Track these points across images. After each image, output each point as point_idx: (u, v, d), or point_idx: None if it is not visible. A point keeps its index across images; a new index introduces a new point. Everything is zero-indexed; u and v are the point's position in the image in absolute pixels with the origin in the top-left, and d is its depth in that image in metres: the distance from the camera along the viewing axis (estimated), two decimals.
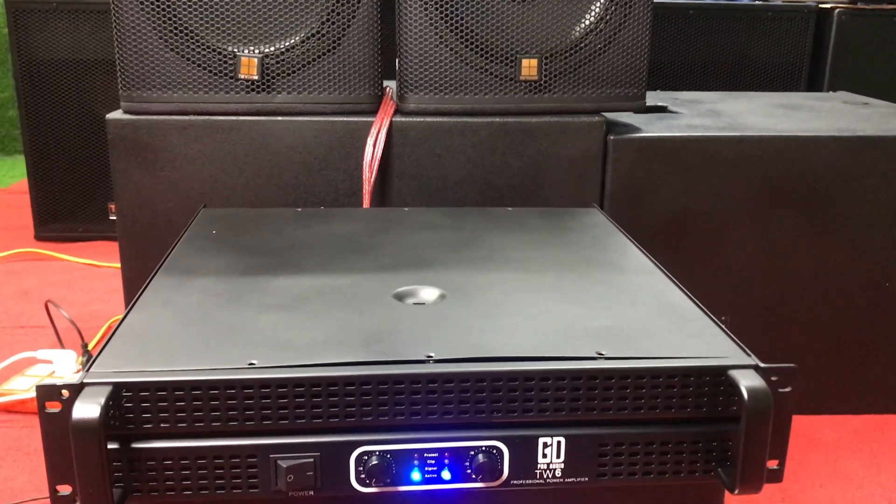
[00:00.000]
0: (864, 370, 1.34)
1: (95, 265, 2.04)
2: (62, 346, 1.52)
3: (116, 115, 1.23)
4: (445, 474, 0.64)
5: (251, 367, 0.62)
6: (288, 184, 1.25)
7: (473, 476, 0.64)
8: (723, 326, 0.71)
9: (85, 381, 0.60)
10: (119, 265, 1.30)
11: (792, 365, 0.64)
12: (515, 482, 0.64)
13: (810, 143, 1.25)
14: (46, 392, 0.60)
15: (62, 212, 2.21)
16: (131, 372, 0.62)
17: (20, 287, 1.89)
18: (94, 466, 0.58)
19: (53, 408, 0.60)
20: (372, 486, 0.63)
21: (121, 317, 0.72)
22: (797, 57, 2.06)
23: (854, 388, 1.35)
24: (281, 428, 0.62)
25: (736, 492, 0.63)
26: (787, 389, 0.64)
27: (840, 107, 1.52)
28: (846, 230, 1.28)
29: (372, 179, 1.23)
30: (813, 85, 2.07)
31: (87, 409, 0.58)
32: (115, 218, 1.90)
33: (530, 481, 0.65)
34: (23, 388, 1.35)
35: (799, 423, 1.32)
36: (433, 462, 0.64)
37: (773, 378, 0.63)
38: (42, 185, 2.18)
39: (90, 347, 1.47)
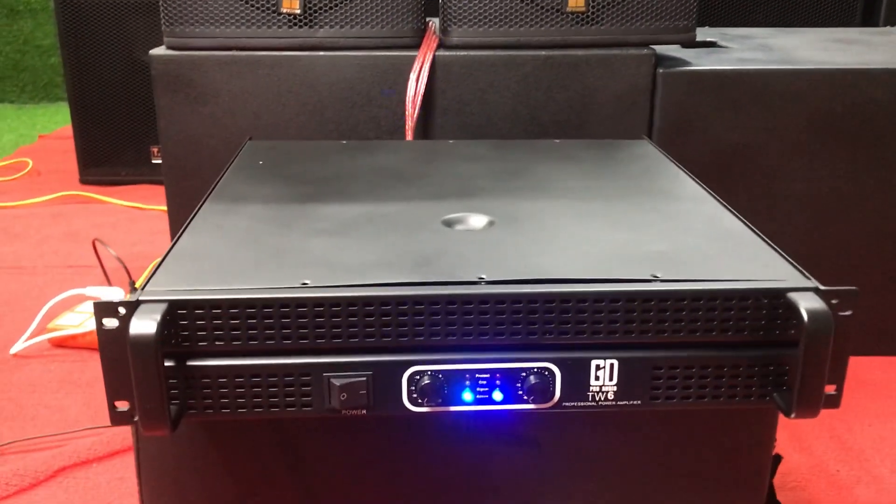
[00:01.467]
0: None
1: (140, 208, 2.07)
2: (110, 283, 1.54)
3: (160, 50, 1.23)
4: (497, 395, 0.64)
5: (304, 286, 0.62)
6: (330, 120, 1.24)
7: (525, 397, 0.64)
8: (780, 251, 0.69)
9: (141, 298, 0.61)
10: (163, 208, 1.31)
11: (853, 288, 0.62)
12: (567, 404, 0.64)
13: (865, 77, 1.21)
14: (104, 309, 0.60)
15: (106, 156, 2.23)
16: (186, 290, 0.62)
17: (68, 229, 1.92)
18: (151, 382, 0.59)
19: (111, 324, 0.60)
20: (424, 406, 0.63)
21: (174, 240, 0.72)
22: None
23: None
24: (334, 347, 0.62)
25: (792, 415, 0.62)
26: (848, 313, 0.62)
27: None
28: None
29: (415, 115, 1.21)
30: (868, 20, 1.99)
31: (144, 325, 0.58)
32: (158, 161, 1.92)
33: (582, 403, 0.64)
34: (73, 323, 1.38)
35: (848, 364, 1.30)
36: (485, 383, 0.63)
37: (834, 301, 0.62)
38: (85, 129, 2.20)
39: (137, 285, 1.50)
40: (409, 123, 1.22)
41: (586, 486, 0.70)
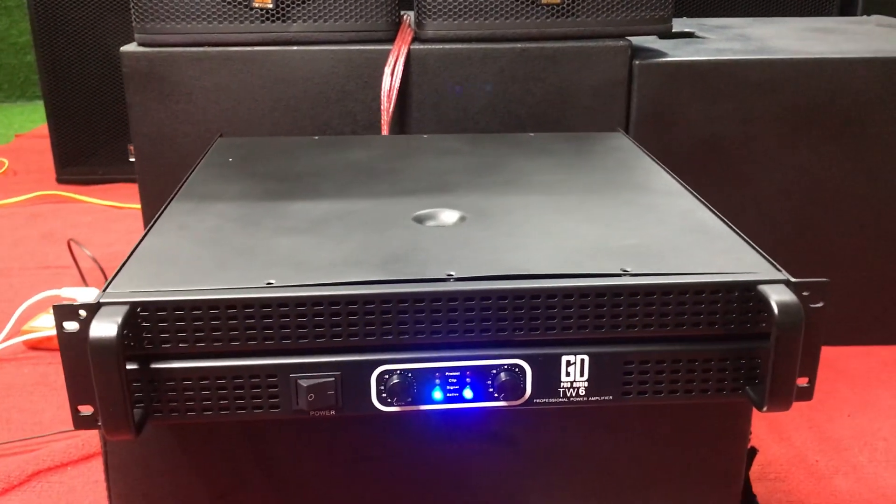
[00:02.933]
0: (895, 300, 1.31)
1: (117, 206, 2.05)
2: (86, 284, 1.53)
3: (131, 47, 1.22)
4: (467, 393, 0.63)
5: (269, 286, 0.61)
6: (305, 115, 1.23)
7: (495, 395, 0.63)
8: (752, 243, 0.69)
9: (102, 300, 0.59)
10: (140, 206, 1.29)
11: (824, 279, 0.62)
12: (538, 400, 0.63)
13: (843, 66, 1.21)
14: (64, 312, 0.59)
15: (82, 154, 2.20)
16: (148, 292, 0.61)
17: (44, 229, 1.90)
18: (113, 386, 0.58)
19: (71, 328, 0.59)
20: (393, 405, 0.63)
21: (138, 241, 0.71)
22: None
23: (883, 319, 1.32)
24: (301, 347, 0.61)
25: (765, 409, 0.62)
26: (820, 305, 0.62)
27: (875, 30, 1.46)
28: (880, 155, 1.24)
29: (390, 110, 1.20)
30: (846, 9, 1.99)
31: (104, 328, 0.57)
32: (134, 159, 1.89)
33: (553, 400, 0.63)
34: (48, 325, 1.36)
35: (827, 353, 1.31)
36: (455, 381, 0.63)
37: (805, 293, 0.61)
38: (62, 127, 2.17)
39: None
40: (385, 118, 1.21)
41: (560, 483, 0.70)
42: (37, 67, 2.14)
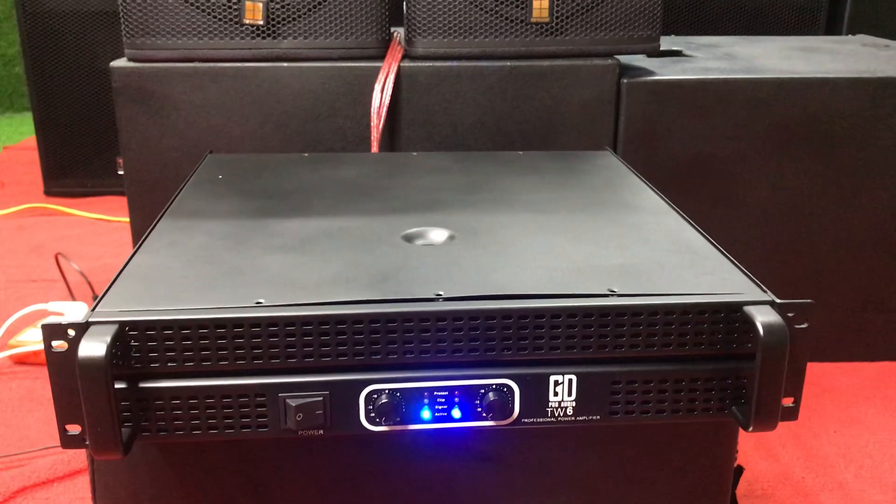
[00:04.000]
0: (879, 317, 1.32)
1: (105, 220, 2.04)
2: (73, 298, 1.52)
3: (121, 62, 1.22)
4: (455, 413, 0.63)
5: (258, 305, 0.62)
6: (295, 131, 1.23)
7: (484, 414, 0.63)
8: (738, 264, 0.69)
9: (90, 320, 0.59)
10: (128, 219, 1.29)
11: (809, 301, 0.62)
12: (526, 420, 0.64)
13: (828, 85, 1.23)
14: (52, 331, 0.59)
15: (71, 167, 2.20)
16: (137, 311, 0.61)
17: (31, 242, 1.89)
18: (101, 405, 0.58)
19: (60, 347, 0.59)
20: (382, 425, 0.63)
21: (127, 259, 0.71)
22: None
23: (868, 335, 1.34)
24: (289, 367, 0.62)
25: (750, 429, 0.62)
26: (804, 325, 0.62)
27: (860, 49, 1.48)
28: (864, 173, 1.26)
29: (380, 126, 1.21)
30: (832, 28, 2.01)
31: (93, 347, 0.57)
32: (123, 172, 1.89)
33: (541, 419, 0.64)
34: (35, 339, 1.36)
35: (813, 370, 1.31)
36: (443, 400, 0.63)
37: (790, 314, 0.62)
38: (50, 140, 2.17)
39: None
40: (375, 135, 1.21)
41: (548, 502, 0.70)
42: (25, 79, 2.14)
